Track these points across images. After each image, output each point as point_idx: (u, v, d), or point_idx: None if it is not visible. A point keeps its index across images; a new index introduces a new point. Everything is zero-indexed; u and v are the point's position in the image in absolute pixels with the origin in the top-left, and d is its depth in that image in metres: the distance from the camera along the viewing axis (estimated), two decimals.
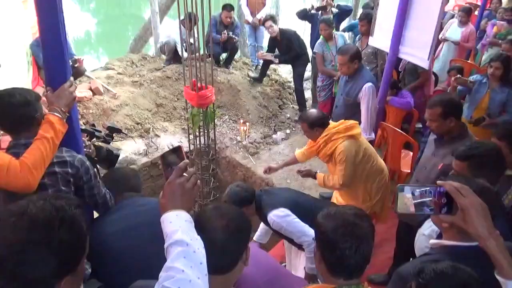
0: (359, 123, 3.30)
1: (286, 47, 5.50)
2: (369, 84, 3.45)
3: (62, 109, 1.68)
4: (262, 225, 2.95)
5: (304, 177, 3.26)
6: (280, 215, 2.46)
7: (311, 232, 2.38)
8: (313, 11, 5.80)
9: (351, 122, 2.94)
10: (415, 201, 1.12)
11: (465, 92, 4.00)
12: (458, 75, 4.09)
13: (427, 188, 1.12)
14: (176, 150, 1.30)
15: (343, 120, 2.99)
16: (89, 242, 1.58)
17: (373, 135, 3.71)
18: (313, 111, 2.99)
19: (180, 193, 1.16)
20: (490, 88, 3.75)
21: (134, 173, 2.17)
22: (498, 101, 3.67)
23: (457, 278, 1.15)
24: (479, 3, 7.27)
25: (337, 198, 3.26)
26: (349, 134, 2.85)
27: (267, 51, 5.76)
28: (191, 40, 3.95)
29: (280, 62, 5.75)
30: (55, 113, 1.66)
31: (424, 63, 3.47)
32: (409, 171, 3.83)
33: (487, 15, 6.77)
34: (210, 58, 4.14)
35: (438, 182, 1.13)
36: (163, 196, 1.17)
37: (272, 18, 5.50)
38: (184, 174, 1.19)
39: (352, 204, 3.09)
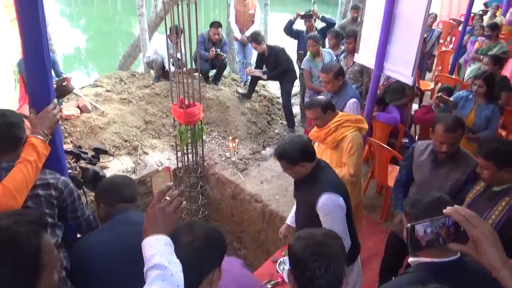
0: None
1: (274, 63, 5.57)
2: (353, 99, 3.51)
3: (45, 131, 1.67)
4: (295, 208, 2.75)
5: None
6: (338, 203, 2.22)
7: (347, 239, 2.26)
8: (298, 19, 5.94)
9: (360, 117, 3.01)
10: (428, 238, 1.10)
11: (448, 109, 4.08)
12: (440, 94, 4.18)
13: (437, 221, 1.09)
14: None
15: (352, 114, 3.05)
16: (76, 262, 1.57)
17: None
18: (319, 97, 3.02)
19: (161, 218, 1.18)
20: (476, 104, 3.83)
21: (127, 181, 2.00)
22: (484, 117, 3.74)
23: None
24: (462, 19, 7.48)
25: None
26: (359, 126, 2.89)
27: (255, 68, 5.82)
28: (178, 55, 3.97)
29: (268, 78, 5.82)
30: (38, 136, 1.65)
31: (408, 80, 3.53)
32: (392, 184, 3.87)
33: (470, 30, 6.95)
34: (198, 75, 4.17)
35: (445, 211, 1.11)
36: (145, 220, 1.19)
37: (255, 39, 5.55)
38: (166, 197, 1.20)
39: None
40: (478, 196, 2.27)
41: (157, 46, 5.98)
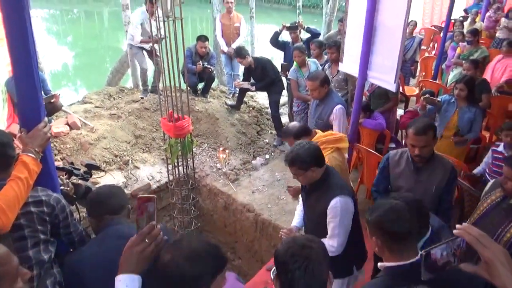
0: None
1: (261, 74, 5.66)
2: (339, 105, 3.60)
3: (36, 149, 1.71)
4: (299, 207, 2.83)
5: (294, 195, 3.20)
6: (347, 207, 2.29)
7: (341, 245, 2.34)
8: (284, 31, 6.05)
9: (340, 134, 3.04)
10: (444, 260, 1.08)
11: (433, 111, 4.19)
12: (427, 95, 4.28)
13: (453, 243, 1.07)
14: (151, 200, 1.31)
15: (331, 131, 3.08)
16: (69, 276, 1.59)
17: (346, 155, 3.82)
18: (292, 124, 3.06)
19: (138, 259, 1.26)
20: (458, 107, 3.94)
21: (113, 191, 1.96)
22: (467, 119, 3.85)
23: None
24: (443, 25, 7.68)
25: None
26: (338, 146, 2.94)
27: (243, 80, 5.90)
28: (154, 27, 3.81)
29: (256, 90, 5.90)
30: (29, 154, 1.68)
31: (391, 86, 3.63)
32: None
33: (451, 37, 7.14)
34: (186, 88, 4.22)
35: (455, 232, 1.09)
36: (122, 255, 1.28)
37: (239, 55, 5.64)
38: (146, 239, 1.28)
39: None
40: (494, 206, 2.20)
41: (134, 20, 6.02)
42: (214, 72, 6.40)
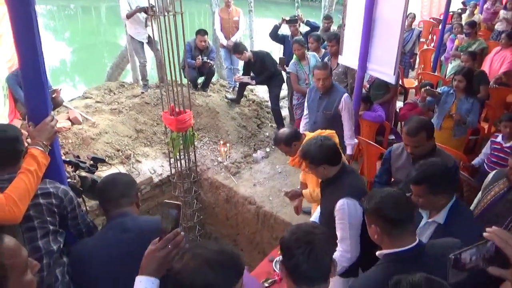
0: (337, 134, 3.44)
1: (260, 68, 5.68)
2: (346, 94, 3.64)
3: (44, 142, 1.74)
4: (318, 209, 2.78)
5: (292, 199, 3.27)
6: (352, 211, 2.22)
7: (354, 248, 2.27)
8: (283, 24, 6.06)
9: (328, 131, 3.03)
10: (473, 264, 1.07)
11: (433, 103, 4.23)
12: (428, 87, 4.31)
13: (483, 248, 1.06)
14: (177, 207, 1.32)
15: (320, 130, 3.07)
16: (75, 265, 1.61)
17: (356, 140, 3.88)
18: (283, 130, 3.04)
19: (159, 263, 1.30)
20: (456, 99, 3.98)
21: (119, 178, 1.90)
22: (465, 110, 3.89)
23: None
24: (442, 18, 7.68)
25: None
26: None
27: (243, 74, 5.93)
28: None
29: (256, 83, 5.93)
30: (38, 147, 1.72)
31: (390, 78, 3.67)
32: None
33: (449, 29, 7.16)
34: (187, 83, 4.25)
35: (485, 235, 1.08)
36: (144, 257, 1.31)
37: (236, 51, 5.66)
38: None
39: None
40: (499, 197, 2.21)
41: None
42: (214, 66, 6.42)
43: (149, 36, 5.88)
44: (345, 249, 2.28)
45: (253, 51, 5.76)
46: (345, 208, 2.23)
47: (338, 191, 2.30)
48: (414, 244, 1.61)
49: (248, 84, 5.98)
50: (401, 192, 1.70)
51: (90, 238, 1.90)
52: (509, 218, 2.12)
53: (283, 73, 5.87)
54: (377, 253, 1.70)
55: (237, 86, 6.37)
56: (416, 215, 2.10)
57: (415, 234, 1.68)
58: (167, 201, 1.34)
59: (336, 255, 2.28)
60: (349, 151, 3.82)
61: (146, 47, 6.12)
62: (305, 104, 4.02)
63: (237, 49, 5.64)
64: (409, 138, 2.48)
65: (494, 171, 2.47)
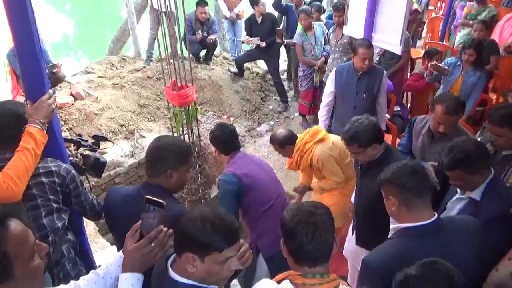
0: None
1: (271, 28, 5.47)
2: (385, 71, 3.59)
3: (41, 120, 1.71)
4: None
5: (301, 194, 3.38)
6: None
7: None
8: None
9: (314, 128, 3.08)
10: None
11: (440, 76, 4.13)
12: (435, 62, 4.18)
13: None
14: (161, 206, 1.31)
15: (306, 130, 3.10)
16: (105, 205, 1.83)
17: (388, 115, 3.87)
18: (280, 131, 3.08)
19: (142, 261, 1.31)
20: (463, 71, 3.88)
21: (158, 146, 1.79)
22: (471, 83, 3.81)
23: (444, 270, 1.27)
24: None
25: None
26: (318, 139, 2.97)
27: (246, 35, 5.76)
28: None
29: (266, 45, 5.57)
30: (35, 125, 1.69)
31: (396, 49, 3.56)
32: None
33: None
34: (188, 56, 4.18)
35: None
36: (127, 254, 1.32)
37: (254, 2, 5.48)
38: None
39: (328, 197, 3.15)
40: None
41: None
42: (216, 39, 6.28)
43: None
44: None
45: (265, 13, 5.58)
46: None
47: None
48: (433, 219, 1.58)
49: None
50: (418, 162, 1.69)
51: (124, 189, 1.95)
52: (501, 175, 2.19)
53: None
54: (392, 226, 1.68)
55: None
56: (450, 190, 2.12)
57: (431, 209, 1.64)
58: (149, 197, 1.31)
59: None
60: (383, 126, 3.69)
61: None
62: (329, 89, 3.65)
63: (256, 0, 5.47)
64: (448, 118, 2.38)
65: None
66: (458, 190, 2.08)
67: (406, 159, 2.37)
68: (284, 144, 3.00)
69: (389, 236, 1.70)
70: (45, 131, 1.72)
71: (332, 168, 2.96)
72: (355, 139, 2.22)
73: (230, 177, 2.43)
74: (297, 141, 3.01)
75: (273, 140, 3.06)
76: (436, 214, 1.62)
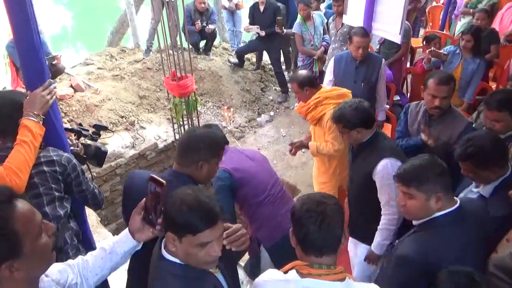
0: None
1: (273, 18, 5.42)
2: (383, 59, 3.56)
3: (35, 112, 1.71)
4: None
5: (297, 149, 3.21)
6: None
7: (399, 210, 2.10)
8: None
9: (345, 90, 2.99)
10: None
11: (438, 63, 4.12)
12: (433, 48, 4.18)
13: None
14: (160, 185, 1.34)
15: (335, 87, 3.02)
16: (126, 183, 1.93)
17: (387, 106, 3.87)
18: (302, 72, 2.99)
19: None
20: (463, 58, 3.87)
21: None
22: (470, 71, 3.80)
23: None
24: None
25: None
26: (340, 102, 2.85)
27: (249, 24, 5.72)
28: None
29: (267, 35, 5.58)
30: (30, 118, 1.70)
31: (396, 38, 3.56)
32: None
33: None
34: (188, 47, 4.17)
35: None
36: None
37: None
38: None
39: (322, 174, 3.19)
40: None
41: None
42: (216, 29, 6.24)
43: None
44: (393, 212, 2.23)
45: (267, 1, 5.52)
46: (389, 168, 2.14)
47: (377, 153, 2.24)
48: (457, 205, 1.60)
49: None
50: (432, 155, 1.68)
51: (145, 172, 1.96)
52: None
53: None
54: (415, 222, 1.67)
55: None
56: (464, 181, 2.12)
57: (451, 194, 1.65)
58: (153, 176, 1.35)
59: (383, 222, 2.28)
60: (382, 117, 3.74)
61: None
62: (328, 78, 3.66)
63: None
64: (441, 88, 2.43)
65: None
66: (473, 182, 2.09)
67: (394, 142, 2.44)
68: (304, 84, 2.87)
69: (414, 229, 1.69)
70: (40, 123, 1.73)
71: (338, 134, 2.78)
72: (340, 120, 2.31)
73: (221, 173, 2.35)
74: (321, 90, 2.91)
75: (294, 79, 2.93)
76: (459, 201, 1.62)
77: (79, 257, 1.42)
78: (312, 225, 1.33)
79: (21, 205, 1.08)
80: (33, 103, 1.73)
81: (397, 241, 1.82)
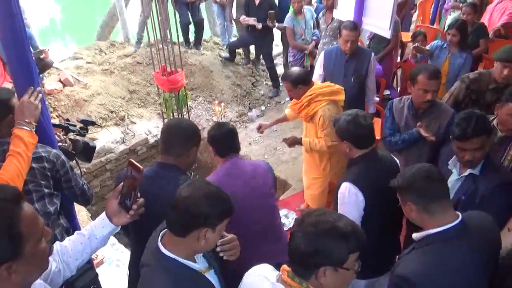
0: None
1: (269, 8, 5.35)
2: (372, 52, 3.58)
3: (27, 120, 1.70)
4: None
5: (290, 145, 3.17)
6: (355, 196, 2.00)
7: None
8: None
9: (338, 86, 2.99)
10: None
11: (425, 59, 4.15)
12: (417, 44, 4.21)
13: None
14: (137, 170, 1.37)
15: (329, 83, 3.02)
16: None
17: (377, 98, 3.90)
18: (295, 69, 3.00)
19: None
20: (450, 53, 3.90)
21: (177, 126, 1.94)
22: (457, 65, 3.83)
23: None
24: None
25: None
26: (333, 99, 2.90)
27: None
28: None
29: (262, 27, 5.47)
30: (22, 127, 1.69)
31: (386, 33, 3.57)
32: (379, 137, 4.00)
33: None
34: (177, 40, 4.14)
35: None
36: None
37: None
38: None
39: (313, 170, 3.21)
40: None
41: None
42: (203, 19, 6.14)
43: None
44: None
45: None
46: (345, 192, 2.02)
47: (347, 174, 2.13)
48: (458, 220, 1.53)
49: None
50: (431, 165, 1.65)
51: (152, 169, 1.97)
52: (499, 156, 2.29)
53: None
54: (415, 235, 1.60)
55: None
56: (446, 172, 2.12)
57: (453, 209, 1.60)
58: (132, 161, 1.39)
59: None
60: (372, 110, 3.76)
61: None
62: (318, 72, 3.64)
63: None
64: (433, 82, 2.48)
65: None
66: (454, 172, 2.11)
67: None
68: (298, 83, 2.85)
69: (414, 245, 1.63)
70: (33, 131, 1.72)
71: (330, 130, 2.77)
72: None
73: None
74: (314, 86, 2.90)
75: (286, 77, 2.91)
76: (460, 215, 1.56)
77: (57, 243, 1.41)
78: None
79: (27, 207, 1.08)
80: (22, 112, 1.71)
81: (397, 257, 1.74)
